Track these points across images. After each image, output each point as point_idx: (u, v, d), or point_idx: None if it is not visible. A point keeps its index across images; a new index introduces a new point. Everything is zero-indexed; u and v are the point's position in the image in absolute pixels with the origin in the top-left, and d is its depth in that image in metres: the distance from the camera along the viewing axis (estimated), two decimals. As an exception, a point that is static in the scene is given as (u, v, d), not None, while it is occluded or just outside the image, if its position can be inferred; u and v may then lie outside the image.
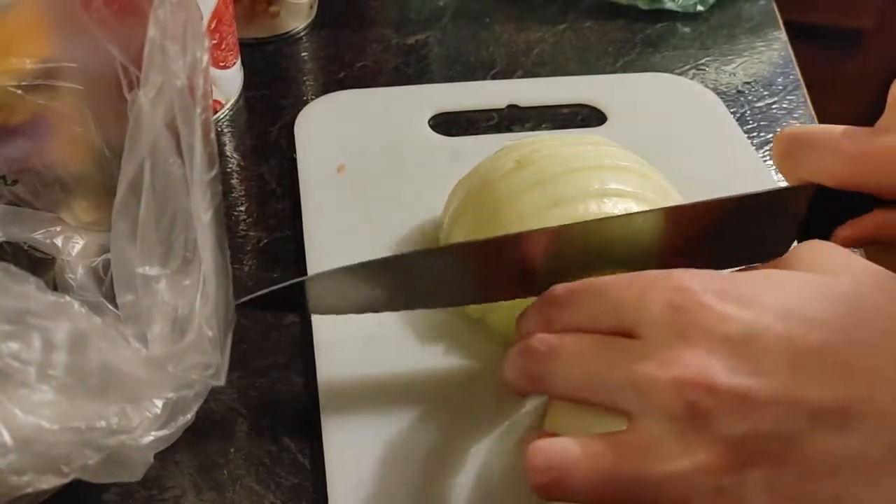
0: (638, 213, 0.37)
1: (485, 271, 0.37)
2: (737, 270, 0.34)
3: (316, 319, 0.42)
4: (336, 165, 0.50)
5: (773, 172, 0.53)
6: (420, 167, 0.51)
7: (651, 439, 0.28)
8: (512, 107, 0.56)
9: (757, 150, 0.55)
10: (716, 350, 0.28)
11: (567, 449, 0.29)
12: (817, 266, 0.30)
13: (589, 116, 0.56)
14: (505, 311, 0.39)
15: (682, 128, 0.55)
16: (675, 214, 0.36)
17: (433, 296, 0.38)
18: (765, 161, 0.54)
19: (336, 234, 0.46)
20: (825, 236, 0.36)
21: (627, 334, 0.30)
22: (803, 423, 0.26)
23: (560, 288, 0.33)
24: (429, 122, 0.54)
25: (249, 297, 0.36)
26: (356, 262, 0.36)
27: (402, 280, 0.37)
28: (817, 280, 0.30)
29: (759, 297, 0.29)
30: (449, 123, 0.55)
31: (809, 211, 0.36)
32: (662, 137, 0.53)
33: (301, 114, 0.54)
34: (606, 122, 0.55)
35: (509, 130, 0.55)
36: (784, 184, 0.38)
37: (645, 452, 0.28)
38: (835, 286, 0.29)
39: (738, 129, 0.55)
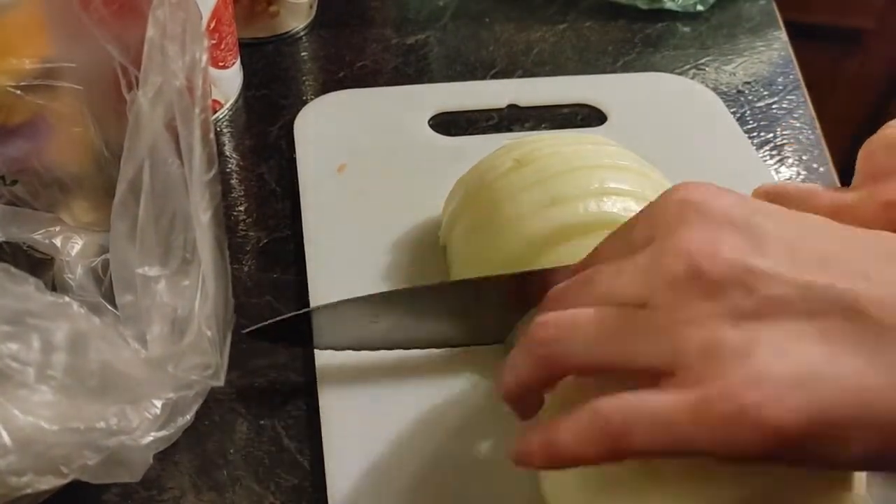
0: None
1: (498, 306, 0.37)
2: None
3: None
4: (336, 165, 0.50)
5: (772, 173, 0.53)
6: (420, 167, 0.51)
7: (658, 306, 0.28)
8: (512, 106, 0.56)
9: (757, 149, 0.55)
10: (721, 229, 0.28)
11: (576, 315, 0.29)
12: None
13: (589, 116, 0.56)
14: None
15: (683, 127, 0.55)
16: None
17: (436, 333, 0.39)
18: (765, 161, 0.54)
19: (336, 234, 0.46)
20: None
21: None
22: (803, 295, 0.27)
23: (545, 320, 0.31)
24: (429, 121, 0.54)
25: (256, 326, 0.38)
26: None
27: (402, 314, 0.38)
28: (830, 222, 0.30)
29: (769, 209, 0.29)
30: (449, 123, 0.55)
31: None
32: (663, 137, 0.53)
33: (301, 113, 0.54)
34: (607, 122, 0.55)
35: (509, 130, 0.55)
36: None
37: (648, 317, 0.28)
38: (847, 228, 0.30)
39: (739, 128, 0.55)
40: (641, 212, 0.31)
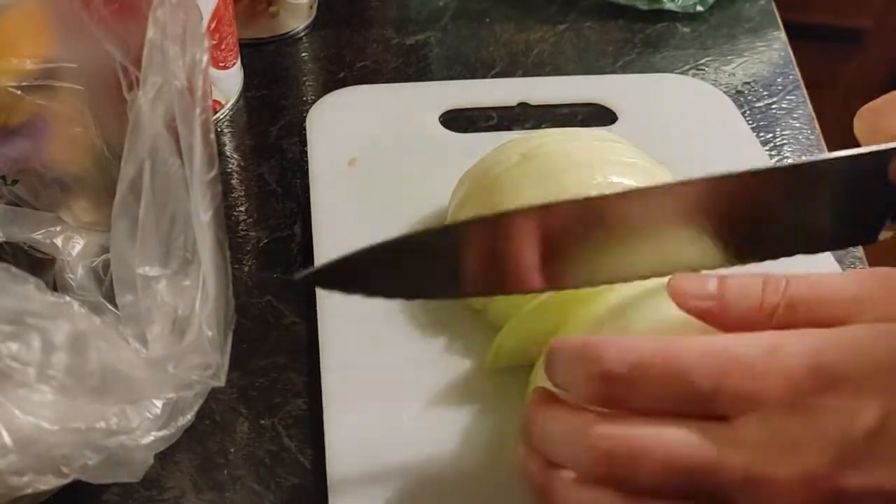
0: (675, 183, 0.32)
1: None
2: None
3: (321, 318, 0.42)
4: (347, 159, 0.51)
5: (773, 172, 0.53)
6: (430, 163, 0.51)
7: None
8: (523, 104, 0.56)
9: (757, 150, 0.55)
10: (831, 450, 0.27)
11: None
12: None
13: (600, 115, 0.56)
14: (505, 302, 0.40)
15: (694, 129, 0.55)
16: (722, 186, 0.32)
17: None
18: (772, 160, 0.54)
19: (343, 224, 0.46)
20: None
21: (715, 417, 0.28)
22: None
23: (616, 362, 0.29)
24: (439, 118, 0.54)
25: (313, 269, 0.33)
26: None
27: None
28: None
29: (869, 376, 0.28)
30: (459, 120, 0.55)
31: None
32: (673, 138, 0.53)
33: (313, 108, 0.55)
34: (617, 122, 0.55)
35: (519, 128, 0.55)
36: None
37: None
38: None
39: (749, 130, 0.55)
40: (718, 373, 0.28)
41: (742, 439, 0.27)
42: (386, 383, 0.39)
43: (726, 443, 0.28)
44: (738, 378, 0.28)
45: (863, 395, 0.27)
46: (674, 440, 0.28)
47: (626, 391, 0.29)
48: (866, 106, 0.34)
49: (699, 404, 0.28)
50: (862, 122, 0.34)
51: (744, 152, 0.53)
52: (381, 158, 0.51)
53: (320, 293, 0.43)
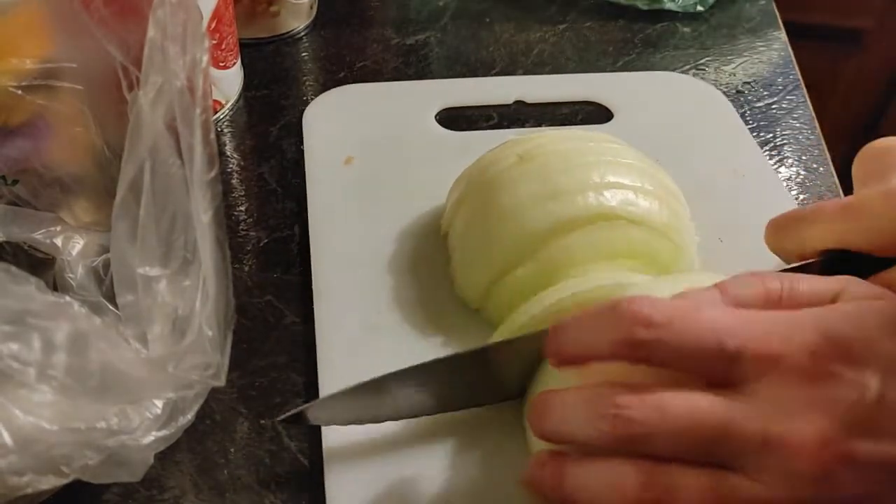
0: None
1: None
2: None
3: (319, 318, 0.42)
4: (343, 157, 0.51)
5: (775, 171, 0.53)
6: (426, 161, 0.51)
7: (770, 495, 0.28)
8: (519, 103, 0.56)
9: (757, 150, 0.55)
10: (845, 415, 0.28)
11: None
12: None
13: (596, 114, 0.56)
14: (503, 300, 0.40)
15: (689, 127, 0.55)
16: None
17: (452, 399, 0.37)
18: (769, 159, 0.54)
19: (340, 223, 0.47)
20: None
21: (728, 384, 0.29)
22: None
23: (650, 308, 0.30)
24: (435, 116, 0.54)
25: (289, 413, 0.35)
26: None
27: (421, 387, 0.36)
28: None
29: (879, 350, 0.29)
30: (455, 118, 0.55)
31: None
32: (668, 136, 0.53)
33: (310, 107, 0.55)
34: (613, 120, 0.55)
35: (516, 126, 0.55)
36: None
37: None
38: None
39: (745, 128, 0.55)
40: (748, 337, 0.29)
41: (760, 401, 0.28)
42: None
43: (745, 404, 0.28)
44: (761, 341, 0.29)
45: (869, 364, 0.28)
46: (694, 399, 0.29)
47: (655, 337, 0.30)
48: (771, 221, 0.39)
49: (719, 365, 0.29)
50: (770, 235, 0.39)
51: (739, 151, 0.53)
52: (377, 157, 0.51)
53: (318, 292, 0.43)
